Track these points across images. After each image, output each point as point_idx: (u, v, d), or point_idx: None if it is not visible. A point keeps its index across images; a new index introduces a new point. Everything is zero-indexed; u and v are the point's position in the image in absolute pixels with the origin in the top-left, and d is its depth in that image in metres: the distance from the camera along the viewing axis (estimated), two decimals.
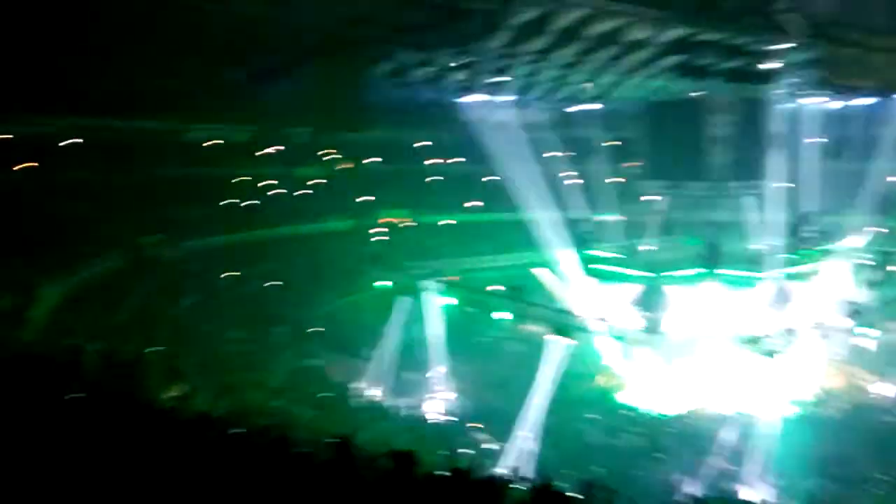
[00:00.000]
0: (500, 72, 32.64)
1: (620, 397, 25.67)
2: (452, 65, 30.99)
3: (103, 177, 27.59)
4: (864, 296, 26.82)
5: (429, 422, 22.53)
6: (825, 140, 32.31)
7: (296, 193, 34.88)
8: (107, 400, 9.93)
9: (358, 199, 36.16)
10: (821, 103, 32.02)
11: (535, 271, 32.41)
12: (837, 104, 33.36)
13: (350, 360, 25.42)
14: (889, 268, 27.09)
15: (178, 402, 12.77)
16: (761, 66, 27.48)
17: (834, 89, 30.53)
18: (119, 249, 24.32)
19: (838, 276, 29.34)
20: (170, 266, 25.57)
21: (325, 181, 36.39)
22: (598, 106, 36.27)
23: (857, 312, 22.83)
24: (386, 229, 35.85)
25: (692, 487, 18.51)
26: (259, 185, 33.42)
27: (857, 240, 30.97)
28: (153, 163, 29.59)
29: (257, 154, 34.77)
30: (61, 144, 27.49)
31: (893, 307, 24.21)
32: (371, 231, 35.38)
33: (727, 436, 20.71)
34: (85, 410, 8.48)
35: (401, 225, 36.64)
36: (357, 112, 34.30)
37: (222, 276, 27.10)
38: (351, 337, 27.64)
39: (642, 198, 36.52)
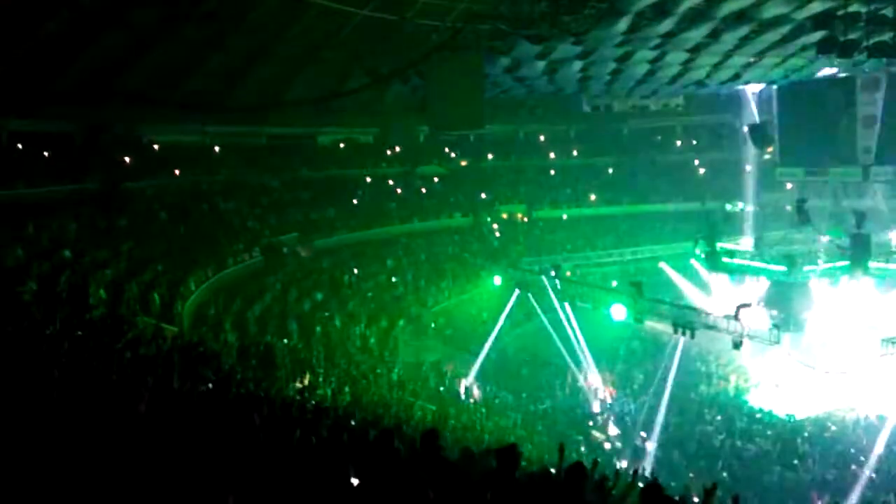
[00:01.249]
0: (623, 59, 31.63)
1: (752, 399, 24.29)
2: (572, 55, 30.45)
3: (245, 180, 30.03)
4: None
5: (544, 419, 22.51)
6: None
7: (417, 190, 35.96)
8: (240, 388, 10.94)
9: (476, 195, 36.66)
10: None
11: (659, 265, 31.38)
12: None
13: (466, 355, 25.92)
14: None
15: (304, 391, 13.77)
16: None
17: None
18: (258, 247, 26.38)
19: None
20: (302, 263, 27.38)
21: (444, 178, 37.21)
22: (729, 90, 34.18)
23: None
24: (504, 225, 36.05)
25: (830, 497, 17.25)
26: (383, 183, 34.84)
27: None
28: (289, 166, 31.81)
29: (382, 154, 36.21)
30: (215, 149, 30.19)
31: None
32: (489, 227, 35.73)
33: (870, 443, 19.03)
34: (220, 397, 9.31)
35: (519, 220, 36.70)
36: (475, 108, 34.68)
37: (348, 272, 28.56)
38: (468, 332, 28.20)
39: (779, 186, 34.10)
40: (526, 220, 37.08)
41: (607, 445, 20.57)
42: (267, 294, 23.65)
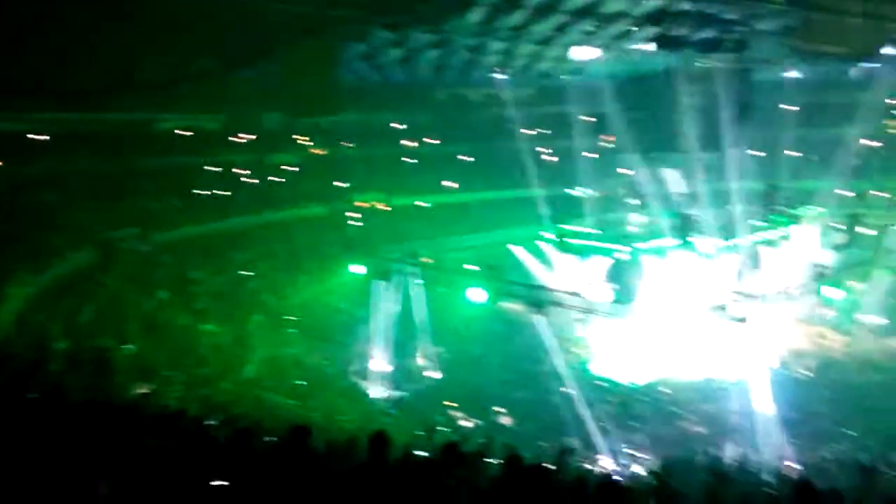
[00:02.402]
0: (475, 49, 32.46)
1: (596, 369, 26.09)
2: (426, 44, 30.79)
3: (75, 170, 27.36)
4: (830, 258, 27.41)
5: (405, 404, 22.80)
6: (799, 107, 32.57)
7: (269, 180, 34.76)
8: (70, 399, 10.01)
9: (332, 184, 36.07)
10: (795, 70, 32.18)
11: (512, 249, 32.69)
12: (811, 71, 33.48)
13: (326, 347, 25.59)
14: (856, 230, 27.51)
15: (147, 398, 12.88)
16: (735, 35, 27.50)
17: (808, 56, 30.55)
18: (90, 244, 24.22)
19: (807, 240, 29.94)
20: (141, 259, 25.49)
21: (298, 167, 36.25)
22: (573, 80, 36.21)
23: (822, 274, 23.24)
24: (361, 214, 35.83)
25: (665, 452, 18.94)
26: (231, 173, 33.26)
27: (827, 204, 31.51)
28: (125, 154, 29.39)
29: (229, 142, 34.54)
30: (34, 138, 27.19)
31: (858, 268, 24.73)
32: (346, 216, 35.36)
33: (698, 401, 21.22)
34: (46, 411, 8.48)
35: (376, 208, 36.61)
36: (330, 95, 34.15)
37: (196, 267, 27.04)
38: (327, 324, 27.80)
39: (618, 171, 36.65)
40: (384, 208, 37.07)
41: (463, 423, 21.18)
42: (102, 295, 21.78)
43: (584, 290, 23.34)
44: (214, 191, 31.61)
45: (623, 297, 25.58)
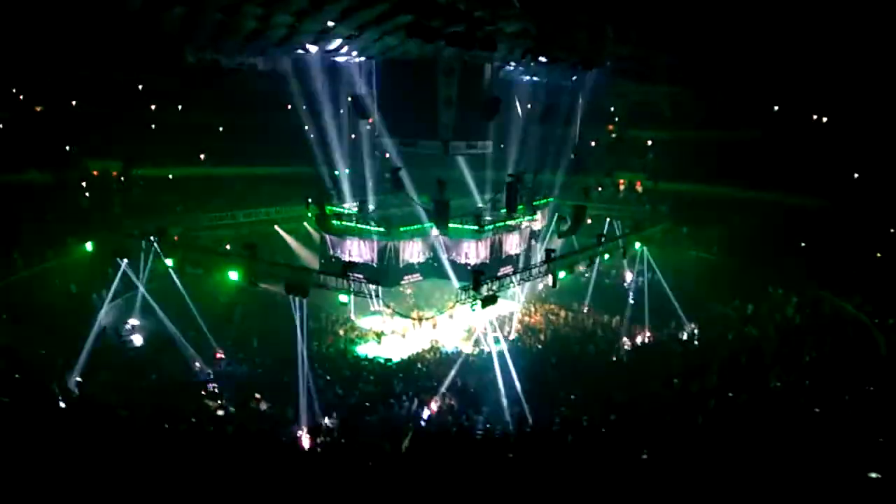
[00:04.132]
0: (229, 12, 30.16)
1: (359, 350, 26.43)
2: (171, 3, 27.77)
3: None
4: (559, 244, 31.12)
5: (155, 393, 20.74)
6: (538, 106, 35.92)
7: None
8: None
9: (59, 147, 31.17)
10: (534, 72, 35.31)
11: (271, 228, 31.54)
12: (550, 75, 37.07)
13: (52, 337, 22.08)
14: (581, 220, 31.33)
15: None
16: (484, 34, 29.13)
17: (546, 59, 33.51)
18: None
19: (542, 227, 33.64)
20: None
21: (11, 125, 30.62)
22: (334, 59, 35.62)
23: (553, 258, 26.04)
24: (96, 183, 31.57)
25: (418, 424, 19.88)
26: None
27: (558, 195, 35.63)
28: None
29: None
30: None
31: (582, 253, 28.30)
32: (78, 185, 30.89)
33: (451, 374, 22.63)
34: None
35: (114, 178, 32.57)
36: (51, 44, 29.23)
37: None
38: (53, 309, 24.02)
39: (379, 154, 37.15)
40: (125, 178, 33.09)
41: (220, 412, 20.02)
42: None
43: (349, 272, 23.30)
44: None
45: (386, 278, 26.18)
